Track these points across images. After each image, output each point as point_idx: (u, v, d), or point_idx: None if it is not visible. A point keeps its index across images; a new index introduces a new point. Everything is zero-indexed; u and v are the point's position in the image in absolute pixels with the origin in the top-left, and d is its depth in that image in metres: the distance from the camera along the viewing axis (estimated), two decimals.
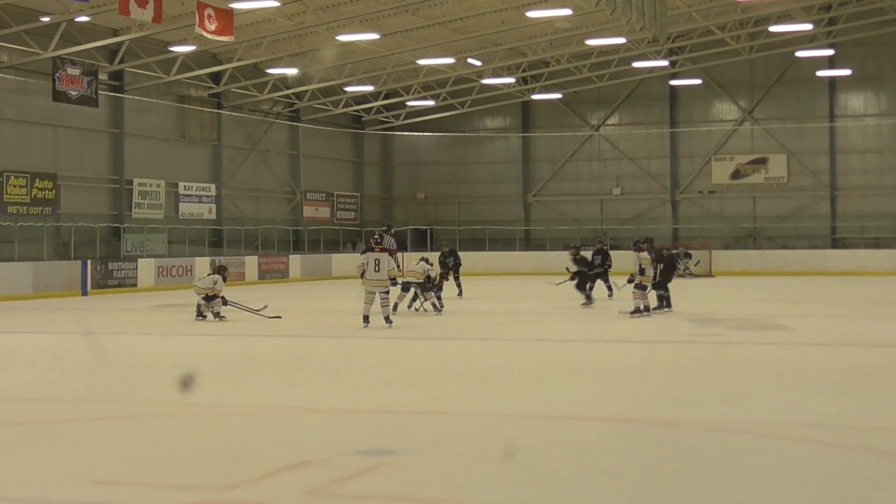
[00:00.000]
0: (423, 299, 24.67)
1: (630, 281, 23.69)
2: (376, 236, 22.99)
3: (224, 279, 23.47)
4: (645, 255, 23.42)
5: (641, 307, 22.83)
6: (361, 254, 22.08)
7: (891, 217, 49.11)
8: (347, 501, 7.80)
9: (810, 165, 51.50)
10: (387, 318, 20.53)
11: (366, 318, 20.53)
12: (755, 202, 52.52)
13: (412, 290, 24.65)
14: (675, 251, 33.52)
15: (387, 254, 20.85)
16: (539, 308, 27.10)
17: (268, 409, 11.86)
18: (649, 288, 23.40)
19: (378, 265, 20.36)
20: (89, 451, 9.53)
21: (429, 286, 24.47)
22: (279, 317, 23.26)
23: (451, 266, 30.31)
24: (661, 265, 24.18)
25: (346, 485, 8.21)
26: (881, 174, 50.53)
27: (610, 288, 28.51)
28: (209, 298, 23.06)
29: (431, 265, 25.44)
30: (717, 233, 51.34)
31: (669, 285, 24.39)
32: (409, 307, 24.56)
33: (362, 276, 20.66)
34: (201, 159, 45.62)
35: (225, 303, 23.03)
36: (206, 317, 23.04)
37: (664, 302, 24.03)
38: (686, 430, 10.44)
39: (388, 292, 20.73)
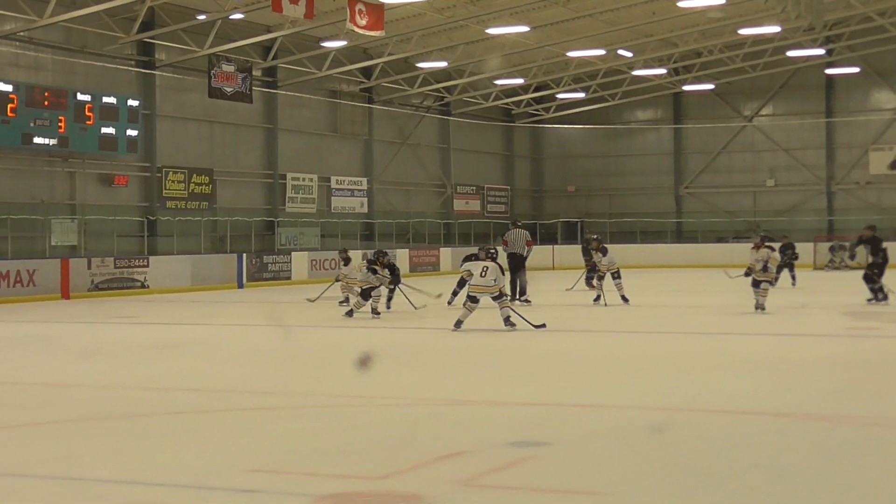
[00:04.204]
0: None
1: (747, 274, 22.56)
2: (492, 251, 20.18)
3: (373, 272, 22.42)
4: (776, 255, 23.16)
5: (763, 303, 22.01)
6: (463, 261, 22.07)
7: None
8: (499, 492, 7.84)
9: None
10: (506, 320, 19.02)
11: (459, 324, 18.97)
12: None
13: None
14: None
15: (497, 265, 19.25)
16: (689, 301, 26.82)
17: (419, 401, 11.97)
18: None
19: (486, 271, 19.00)
20: (245, 440, 9.76)
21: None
22: (440, 294, 24.08)
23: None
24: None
25: (497, 476, 8.25)
26: None
27: (794, 278, 31.28)
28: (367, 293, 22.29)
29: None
30: (874, 224, 49.95)
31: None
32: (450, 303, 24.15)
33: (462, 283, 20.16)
34: (353, 153, 46.17)
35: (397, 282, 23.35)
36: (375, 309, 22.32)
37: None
38: (840, 424, 10.24)
39: (500, 297, 19.20)
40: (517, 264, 25.71)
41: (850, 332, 18.51)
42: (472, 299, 19.05)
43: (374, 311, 22.19)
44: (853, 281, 33.86)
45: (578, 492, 7.88)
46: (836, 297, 26.68)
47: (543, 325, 19.00)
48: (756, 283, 22.02)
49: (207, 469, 8.58)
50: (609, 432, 9.90)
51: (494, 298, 19.11)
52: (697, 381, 13.16)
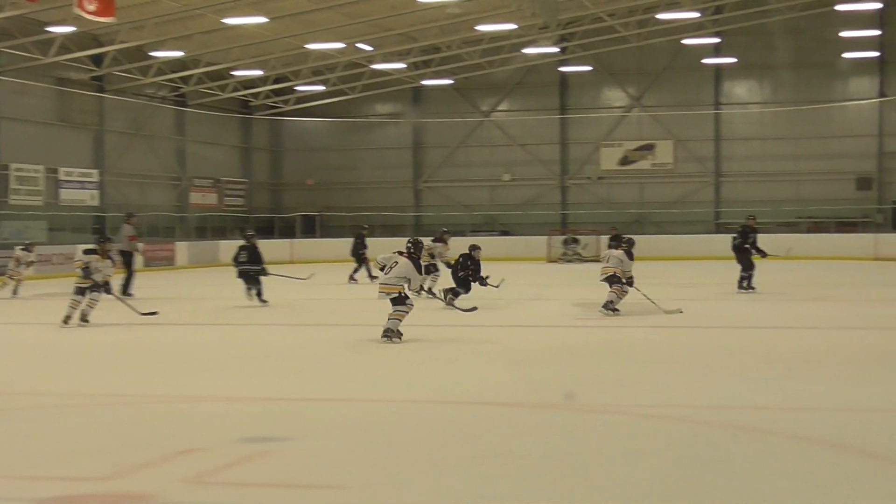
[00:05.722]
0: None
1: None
2: (412, 243, 16.86)
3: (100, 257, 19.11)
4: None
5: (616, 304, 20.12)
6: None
7: (772, 203, 49.82)
8: (230, 489, 7.65)
9: (696, 152, 52.21)
10: (386, 332, 15.94)
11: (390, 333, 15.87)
12: (643, 188, 53.08)
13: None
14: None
15: (412, 263, 16.22)
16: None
17: (156, 398, 11.59)
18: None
19: (392, 267, 16.13)
20: None
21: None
22: (155, 312, 20.11)
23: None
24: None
25: (229, 472, 8.08)
26: (763, 161, 51.32)
27: None
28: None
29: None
30: (605, 218, 51.51)
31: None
32: None
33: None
34: (83, 144, 44.70)
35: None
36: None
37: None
38: (567, 412, 10.53)
39: (400, 300, 15.97)
40: (125, 260, 26.30)
41: (580, 323, 18.96)
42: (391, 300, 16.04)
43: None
44: (585, 273, 34.90)
45: (313, 486, 7.78)
46: (568, 288, 27.35)
47: (475, 308, 19.75)
48: (614, 281, 19.81)
49: None
50: (349, 426, 9.83)
51: (394, 301, 15.95)
52: (436, 372, 13.23)
